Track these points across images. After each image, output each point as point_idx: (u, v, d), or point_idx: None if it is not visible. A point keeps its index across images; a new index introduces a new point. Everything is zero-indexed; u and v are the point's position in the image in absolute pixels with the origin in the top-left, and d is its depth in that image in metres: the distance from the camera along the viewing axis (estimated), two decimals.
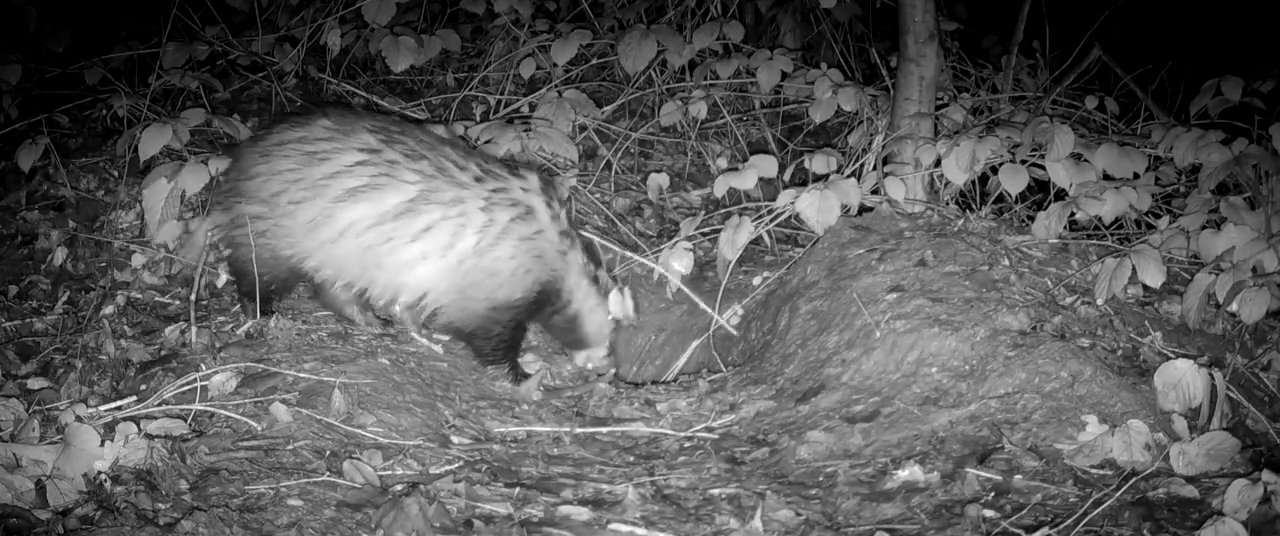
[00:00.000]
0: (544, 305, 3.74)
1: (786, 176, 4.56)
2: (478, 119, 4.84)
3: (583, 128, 5.08)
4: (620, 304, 3.84)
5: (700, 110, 5.03)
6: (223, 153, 4.06)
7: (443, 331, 3.81)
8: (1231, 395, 3.13)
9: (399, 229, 3.44)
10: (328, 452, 3.02)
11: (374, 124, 3.58)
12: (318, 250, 3.49)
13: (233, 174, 3.65)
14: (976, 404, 3.20)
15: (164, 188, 3.90)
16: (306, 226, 3.47)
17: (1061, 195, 4.07)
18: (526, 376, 3.77)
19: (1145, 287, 3.71)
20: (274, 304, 3.71)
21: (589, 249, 3.86)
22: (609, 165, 5.01)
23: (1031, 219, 4.13)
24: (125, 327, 3.74)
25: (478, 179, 3.53)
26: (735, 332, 4.16)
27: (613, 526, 2.80)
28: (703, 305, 4.19)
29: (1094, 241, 4.02)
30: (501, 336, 3.69)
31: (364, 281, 3.53)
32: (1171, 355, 3.33)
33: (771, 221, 4.24)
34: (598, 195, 4.95)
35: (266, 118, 5.09)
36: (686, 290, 4.24)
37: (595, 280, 3.79)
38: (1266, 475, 2.60)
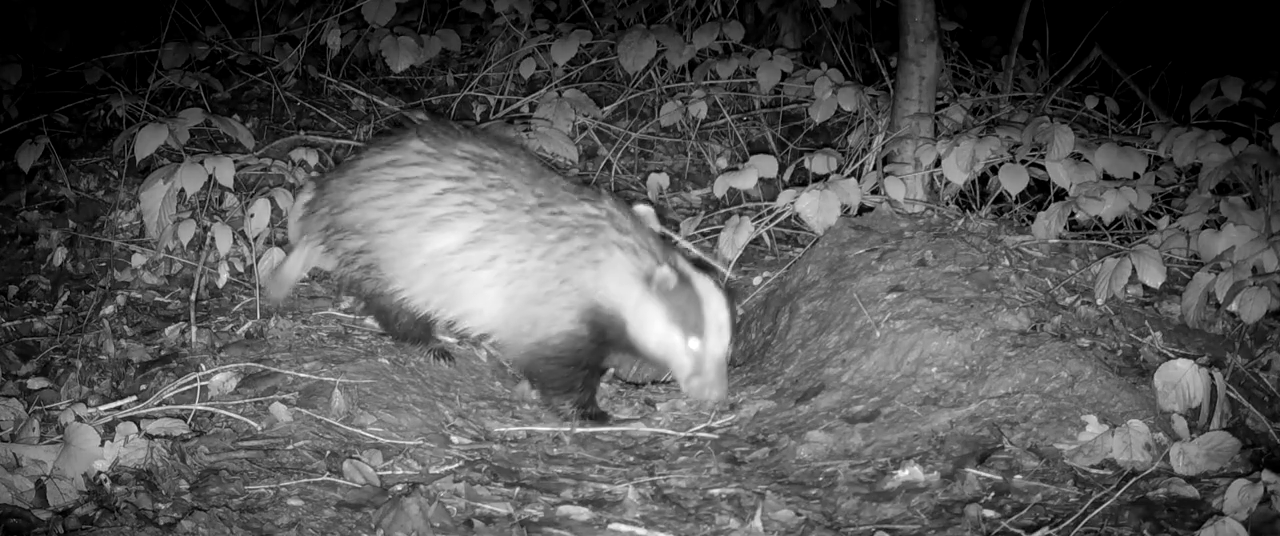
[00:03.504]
0: (610, 336, 3.37)
1: (786, 176, 4.56)
2: (478, 119, 4.85)
3: (583, 128, 5.08)
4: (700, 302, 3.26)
5: (700, 110, 5.03)
6: (224, 154, 4.05)
7: (513, 366, 3.69)
8: (1231, 395, 3.13)
9: (473, 258, 3.33)
10: (328, 452, 3.02)
11: (466, 148, 3.43)
12: (413, 280, 3.40)
13: (325, 208, 3.53)
14: (976, 404, 3.20)
15: (161, 190, 3.90)
16: (399, 254, 3.38)
17: (1061, 195, 4.07)
18: (601, 417, 3.49)
19: (1145, 288, 3.71)
20: (433, 337, 3.66)
21: (638, 248, 3.35)
22: (609, 165, 5.01)
23: (1031, 219, 4.12)
24: (125, 327, 3.74)
25: (541, 202, 3.36)
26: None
27: (613, 526, 2.80)
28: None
29: (1094, 241, 4.02)
30: (553, 374, 3.42)
31: (446, 312, 3.44)
32: (1171, 355, 3.33)
33: (771, 221, 4.23)
34: None
35: (266, 118, 5.10)
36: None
37: (649, 277, 3.29)
38: (1266, 475, 2.60)
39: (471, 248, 3.31)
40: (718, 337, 3.28)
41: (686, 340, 3.26)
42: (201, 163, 3.89)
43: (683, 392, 3.45)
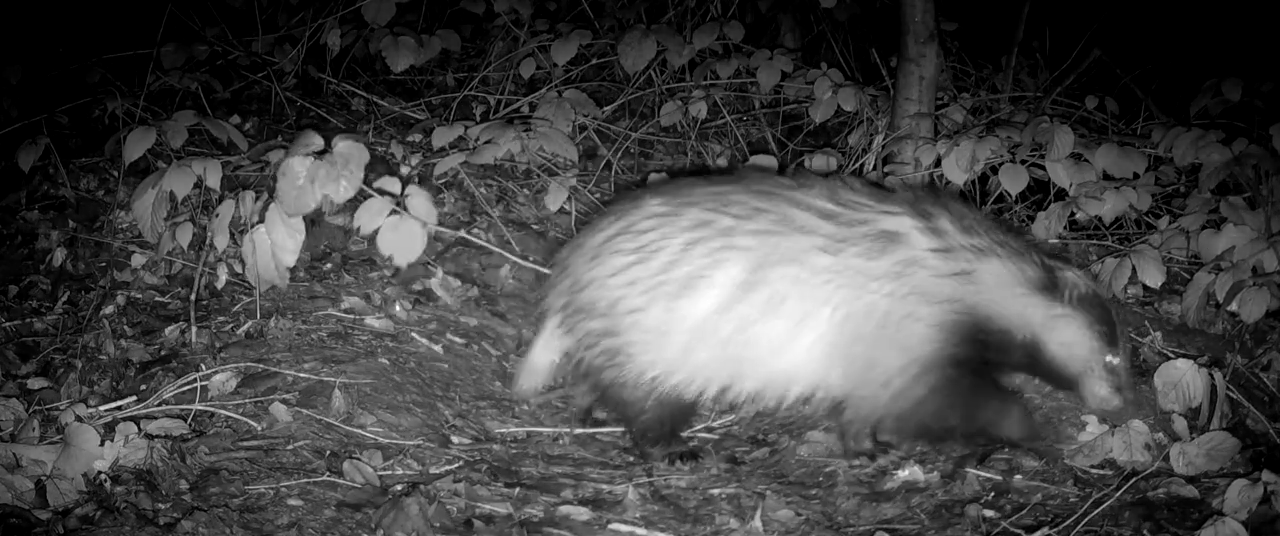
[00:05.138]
0: (983, 356, 2.79)
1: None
2: (478, 119, 4.84)
3: (583, 128, 5.07)
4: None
5: (700, 110, 5.03)
6: (224, 154, 4.05)
7: (886, 435, 2.99)
8: (1231, 395, 3.13)
9: (748, 308, 2.73)
10: (328, 452, 3.02)
11: (707, 190, 2.90)
12: (680, 361, 2.84)
13: (566, 283, 3.07)
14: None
15: (151, 195, 3.87)
16: (656, 336, 2.83)
17: (1061, 195, 4.07)
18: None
19: (1145, 288, 3.71)
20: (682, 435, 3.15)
21: (1023, 253, 2.80)
22: (609, 165, 5.01)
23: (1031, 219, 4.12)
24: (125, 327, 3.74)
25: (827, 215, 2.77)
26: None
27: (613, 526, 2.80)
28: None
29: (1094, 241, 4.02)
30: (928, 427, 2.83)
31: (731, 381, 2.85)
32: (1171, 355, 3.33)
33: None
34: (598, 195, 4.95)
35: (266, 118, 5.09)
36: None
37: (1052, 286, 2.76)
38: (1266, 475, 2.60)
39: (743, 296, 2.72)
40: (1125, 342, 2.85)
41: (1106, 352, 2.78)
42: (190, 165, 3.86)
43: (1089, 407, 2.90)
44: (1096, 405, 2.84)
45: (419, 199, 3.40)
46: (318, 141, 3.37)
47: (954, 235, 2.75)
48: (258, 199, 3.61)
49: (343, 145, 3.33)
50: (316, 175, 3.29)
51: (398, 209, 3.38)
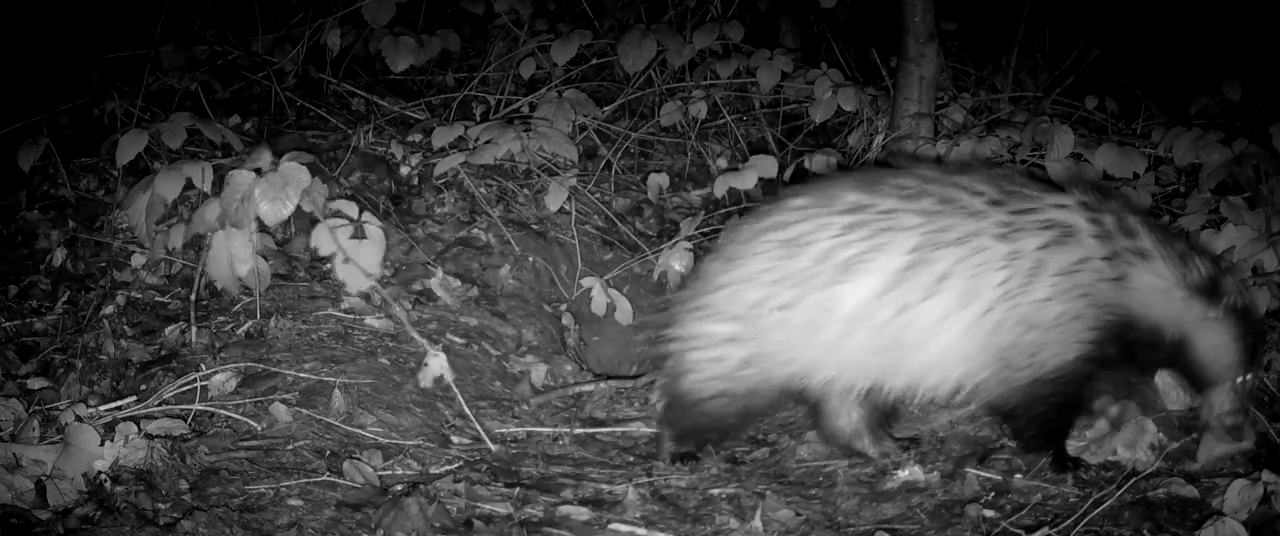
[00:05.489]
0: (1129, 356, 2.79)
1: (786, 176, 4.55)
2: (478, 119, 4.84)
3: (583, 128, 5.07)
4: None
5: (700, 110, 5.03)
6: (224, 154, 4.04)
7: (987, 412, 2.94)
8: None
9: (910, 290, 2.64)
10: (328, 452, 3.02)
11: (857, 180, 2.82)
12: (825, 356, 2.75)
13: (699, 284, 2.96)
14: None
15: (143, 200, 3.87)
16: (805, 331, 2.73)
17: None
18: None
19: None
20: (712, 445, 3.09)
21: (1186, 255, 2.75)
22: (609, 165, 5.01)
23: None
24: (125, 327, 3.74)
25: (995, 201, 2.69)
26: None
27: (613, 526, 2.80)
28: None
29: None
30: (1046, 416, 2.81)
31: (881, 376, 2.77)
32: None
33: None
34: (598, 195, 4.95)
35: (266, 118, 5.09)
36: None
37: (1212, 291, 2.70)
38: (1266, 475, 2.60)
39: (907, 277, 2.63)
40: (1259, 367, 2.83)
41: (1243, 369, 2.74)
42: (181, 169, 3.84)
43: (1205, 422, 2.84)
44: (1210, 417, 2.82)
45: (372, 230, 3.41)
46: (267, 157, 3.38)
47: (1118, 237, 2.72)
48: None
49: (285, 166, 3.33)
50: (253, 192, 3.30)
51: (355, 234, 3.38)
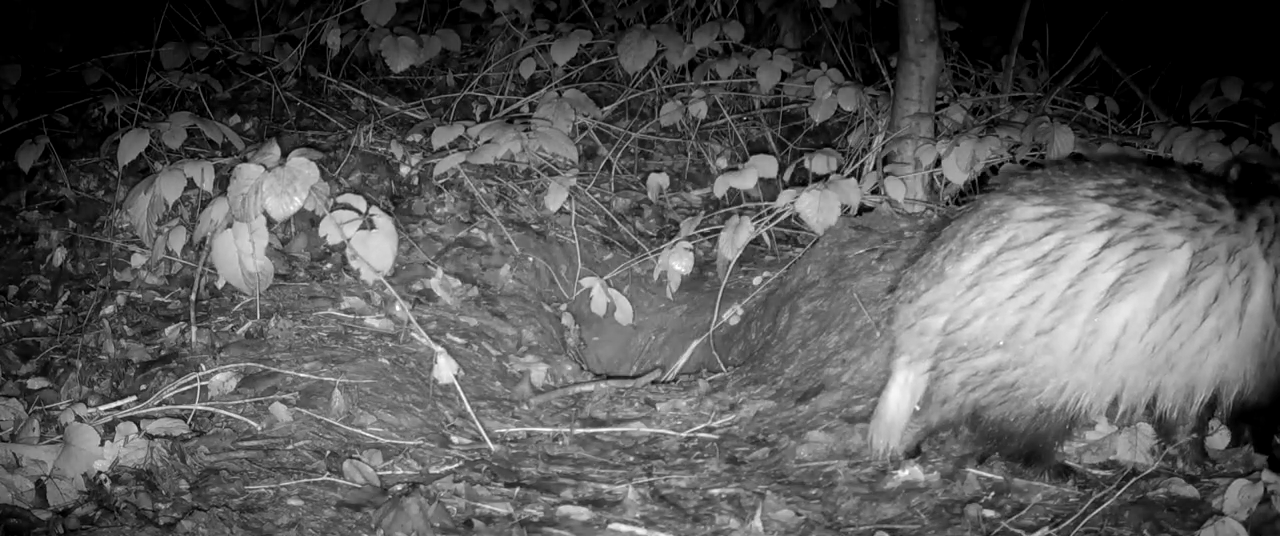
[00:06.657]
0: None
1: (786, 176, 4.56)
2: (478, 119, 4.84)
3: (583, 128, 5.08)
4: None
5: (700, 110, 5.03)
6: (224, 155, 4.04)
7: (1231, 417, 2.89)
8: None
9: (1186, 311, 2.58)
10: (328, 452, 3.02)
11: (1094, 185, 2.70)
12: (1093, 377, 2.68)
13: (936, 321, 2.82)
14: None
15: (145, 201, 3.87)
16: (1073, 355, 2.65)
17: None
18: None
19: None
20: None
21: None
22: (609, 165, 5.01)
23: None
24: (125, 327, 3.74)
25: (1238, 208, 2.64)
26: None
27: (613, 526, 2.80)
28: None
29: None
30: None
31: (1149, 393, 2.71)
32: None
33: (771, 221, 4.23)
34: (598, 195, 4.95)
35: (266, 118, 5.09)
36: None
37: None
38: (1266, 475, 2.60)
39: (1183, 296, 2.59)
40: None
41: None
42: (182, 169, 3.85)
43: None
44: None
45: (383, 221, 3.45)
46: (275, 153, 3.39)
47: None
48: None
49: (294, 161, 3.34)
50: (261, 186, 3.31)
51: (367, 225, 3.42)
